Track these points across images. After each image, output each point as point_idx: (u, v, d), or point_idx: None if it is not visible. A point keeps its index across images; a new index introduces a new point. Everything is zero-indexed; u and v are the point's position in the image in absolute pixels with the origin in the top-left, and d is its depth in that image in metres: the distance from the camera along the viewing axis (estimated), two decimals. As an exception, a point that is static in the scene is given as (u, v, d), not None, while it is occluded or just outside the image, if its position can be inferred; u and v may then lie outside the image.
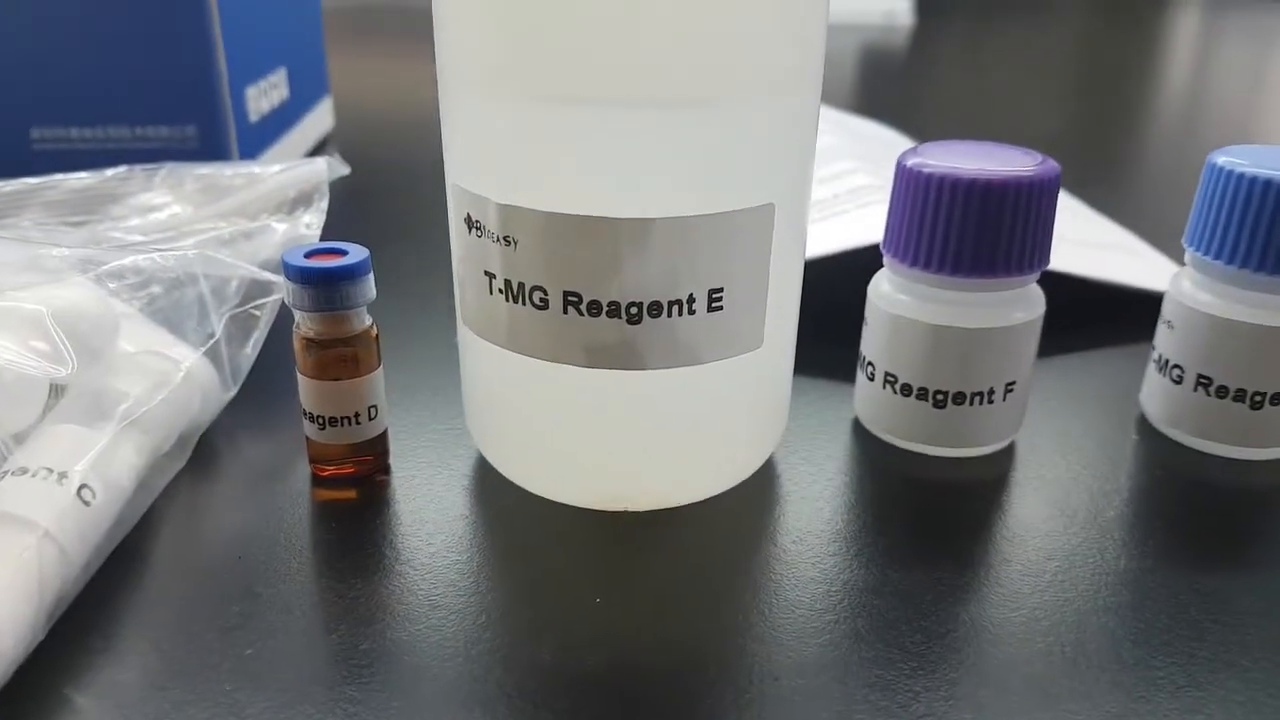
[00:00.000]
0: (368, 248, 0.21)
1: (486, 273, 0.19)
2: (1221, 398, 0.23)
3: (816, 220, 0.31)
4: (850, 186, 0.33)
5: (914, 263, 0.22)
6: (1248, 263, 0.22)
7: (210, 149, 0.37)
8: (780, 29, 0.18)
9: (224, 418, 0.24)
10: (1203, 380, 0.23)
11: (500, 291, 0.19)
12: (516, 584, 0.19)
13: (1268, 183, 0.22)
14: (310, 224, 0.27)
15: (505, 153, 0.18)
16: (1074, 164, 0.54)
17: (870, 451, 0.24)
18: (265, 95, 0.41)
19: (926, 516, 0.22)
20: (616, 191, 0.18)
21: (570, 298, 0.18)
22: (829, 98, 0.71)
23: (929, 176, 0.21)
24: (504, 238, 0.19)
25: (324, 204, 0.28)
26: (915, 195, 0.22)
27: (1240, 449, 0.23)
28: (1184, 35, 1.02)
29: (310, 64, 0.49)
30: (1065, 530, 0.21)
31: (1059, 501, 0.22)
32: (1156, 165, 0.54)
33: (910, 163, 0.22)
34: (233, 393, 0.24)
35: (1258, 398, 0.23)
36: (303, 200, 0.28)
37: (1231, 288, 0.23)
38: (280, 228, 0.27)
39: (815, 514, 0.22)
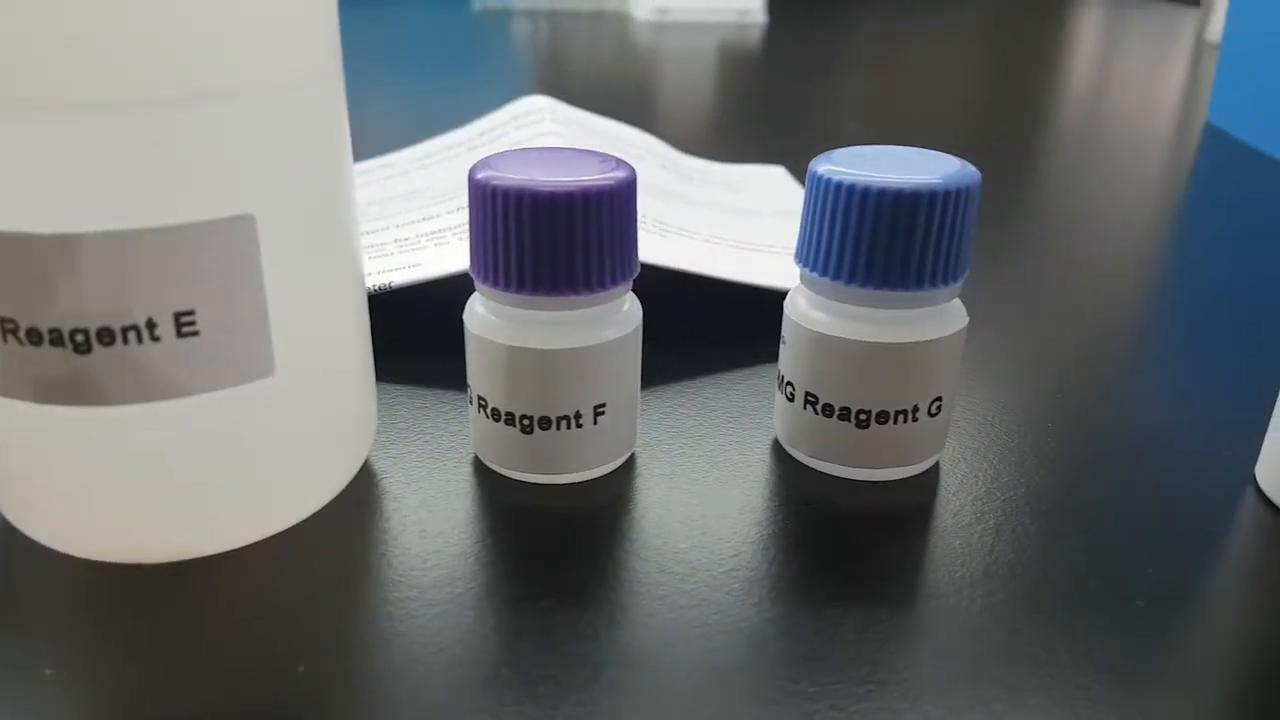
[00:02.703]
0: None
1: (-74, 297, 0.17)
2: (828, 416, 0.22)
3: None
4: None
5: (485, 280, 0.20)
6: (840, 274, 0.21)
7: None
8: (219, 20, 0.16)
9: None
10: (810, 398, 0.22)
11: (-62, 319, 0.17)
12: (7, 652, 0.17)
13: (852, 188, 0.20)
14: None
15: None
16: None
17: (479, 481, 0.22)
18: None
19: (523, 547, 0.20)
20: (30, 203, 0.15)
21: (6, 324, 0.16)
22: (679, 97, 0.70)
23: (484, 187, 0.20)
24: (-74, 258, 0.16)
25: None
26: (481, 210, 0.20)
27: (853, 469, 0.22)
28: (1027, 38, 1.03)
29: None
30: (647, 558, 0.20)
31: (658, 526, 0.21)
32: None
33: (479, 175, 0.20)
34: None
35: (862, 416, 0.21)
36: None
37: (832, 303, 0.21)
38: None
39: (385, 557, 0.20)
